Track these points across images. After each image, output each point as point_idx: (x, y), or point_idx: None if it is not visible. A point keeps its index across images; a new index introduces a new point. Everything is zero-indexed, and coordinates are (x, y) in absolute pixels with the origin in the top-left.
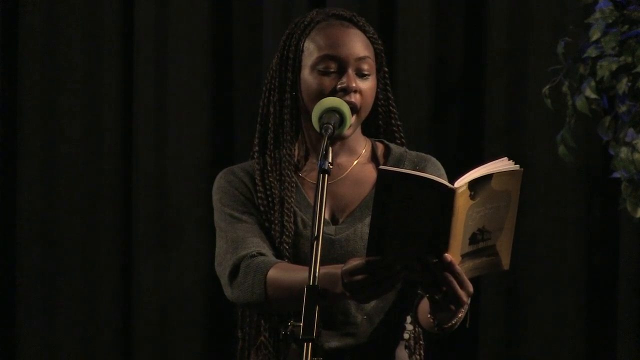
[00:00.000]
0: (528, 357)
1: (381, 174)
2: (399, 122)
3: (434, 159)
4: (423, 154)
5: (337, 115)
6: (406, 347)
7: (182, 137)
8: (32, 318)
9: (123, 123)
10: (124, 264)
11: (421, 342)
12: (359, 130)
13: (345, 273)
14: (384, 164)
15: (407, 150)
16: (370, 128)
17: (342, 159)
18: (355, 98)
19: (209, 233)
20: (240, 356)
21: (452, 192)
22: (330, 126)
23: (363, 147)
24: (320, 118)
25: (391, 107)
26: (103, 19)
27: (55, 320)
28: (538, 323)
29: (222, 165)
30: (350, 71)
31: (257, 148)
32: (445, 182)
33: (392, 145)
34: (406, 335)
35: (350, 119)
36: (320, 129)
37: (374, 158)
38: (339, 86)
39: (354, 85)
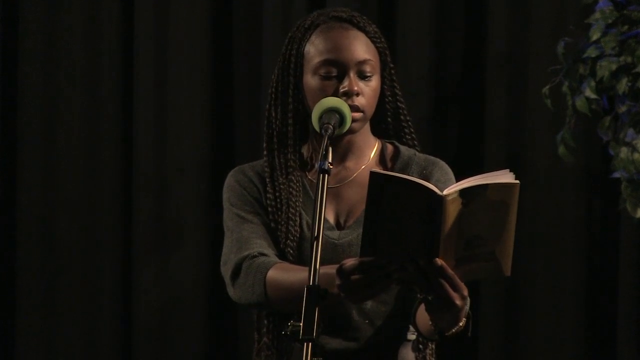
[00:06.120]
0: (528, 357)
1: (372, 177)
2: (408, 118)
3: (442, 163)
4: (432, 158)
5: (337, 115)
6: (420, 343)
7: (182, 138)
8: (32, 318)
9: (123, 123)
10: (124, 264)
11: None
12: (367, 131)
13: (339, 273)
14: (392, 167)
15: (416, 153)
16: (379, 126)
17: (351, 162)
18: (358, 101)
19: (209, 233)
20: (257, 358)
21: (441, 198)
22: (330, 126)
23: (372, 148)
24: (320, 118)
25: (399, 104)
26: (103, 20)
27: (55, 320)
28: (538, 323)
29: (222, 165)
30: (352, 75)
31: (265, 152)
32: (434, 188)
33: (401, 148)
34: (412, 336)
35: (350, 119)
36: (320, 129)
37: (382, 160)
38: (341, 90)
39: (356, 89)
